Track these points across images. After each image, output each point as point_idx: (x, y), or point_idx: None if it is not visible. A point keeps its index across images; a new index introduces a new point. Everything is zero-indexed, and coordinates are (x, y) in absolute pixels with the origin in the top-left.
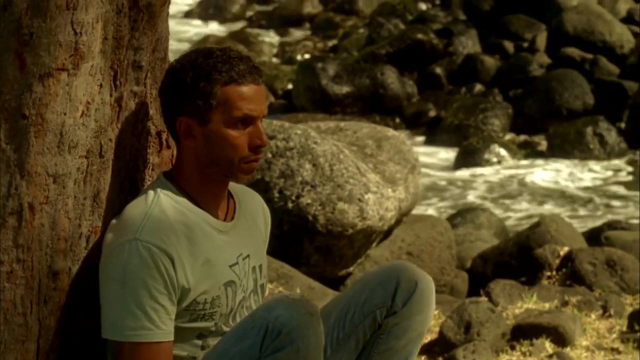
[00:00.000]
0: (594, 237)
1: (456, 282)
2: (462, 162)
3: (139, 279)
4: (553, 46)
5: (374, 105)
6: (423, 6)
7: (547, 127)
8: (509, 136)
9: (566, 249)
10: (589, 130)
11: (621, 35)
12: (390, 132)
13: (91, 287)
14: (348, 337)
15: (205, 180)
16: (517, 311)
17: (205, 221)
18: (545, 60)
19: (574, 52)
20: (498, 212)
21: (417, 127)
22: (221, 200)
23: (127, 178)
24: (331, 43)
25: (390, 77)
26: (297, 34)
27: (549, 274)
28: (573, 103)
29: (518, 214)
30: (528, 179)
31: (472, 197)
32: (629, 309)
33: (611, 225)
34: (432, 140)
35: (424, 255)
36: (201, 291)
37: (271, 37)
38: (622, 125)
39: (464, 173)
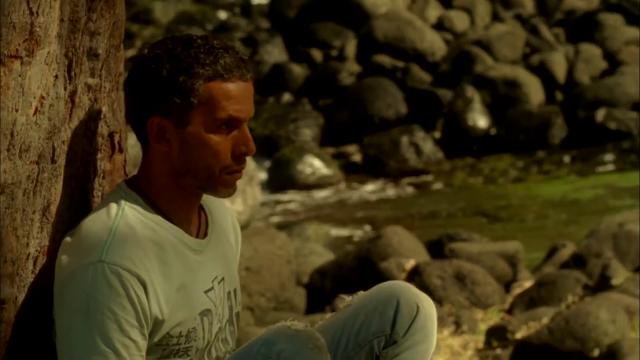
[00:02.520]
0: (435, 249)
1: (294, 298)
2: (275, 173)
3: (107, 310)
4: (363, 54)
5: None
6: (223, 15)
7: (361, 137)
8: (321, 147)
9: (412, 262)
10: (405, 139)
11: (432, 43)
12: None
13: (40, 319)
14: None
15: (177, 192)
16: None
17: (178, 238)
18: (356, 68)
19: (384, 60)
20: (320, 224)
21: None
22: (193, 214)
23: (77, 188)
24: (130, 53)
25: None
26: None
27: None
28: (386, 112)
29: (339, 226)
30: (345, 189)
31: (290, 210)
32: (481, 325)
33: (451, 237)
34: None
35: (263, 271)
36: (175, 323)
37: None
38: (437, 134)
39: (278, 185)
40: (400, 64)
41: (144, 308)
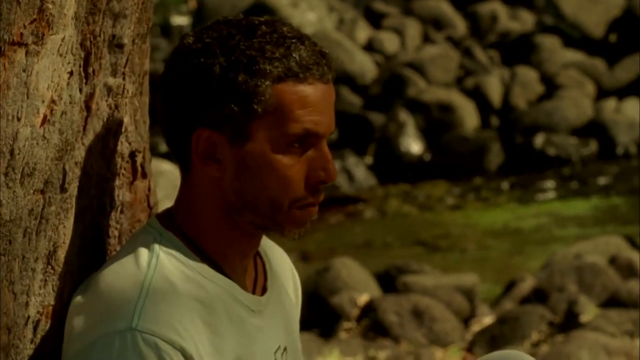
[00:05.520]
0: (385, 282)
1: None
2: None
3: None
4: None
5: None
6: None
7: None
8: None
9: (365, 297)
10: (336, 165)
11: (362, 64)
12: (165, 165)
13: None
14: None
15: (230, 233)
16: None
17: (231, 295)
18: None
19: None
20: None
21: None
22: (248, 262)
23: (90, 226)
24: None
25: None
26: None
27: (347, 325)
28: None
29: None
30: None
31: None
32: None
33: (401, 269)
34: None
35: None
36: None
37: None
38: (369, 159)
39: None
40: None
41: None
